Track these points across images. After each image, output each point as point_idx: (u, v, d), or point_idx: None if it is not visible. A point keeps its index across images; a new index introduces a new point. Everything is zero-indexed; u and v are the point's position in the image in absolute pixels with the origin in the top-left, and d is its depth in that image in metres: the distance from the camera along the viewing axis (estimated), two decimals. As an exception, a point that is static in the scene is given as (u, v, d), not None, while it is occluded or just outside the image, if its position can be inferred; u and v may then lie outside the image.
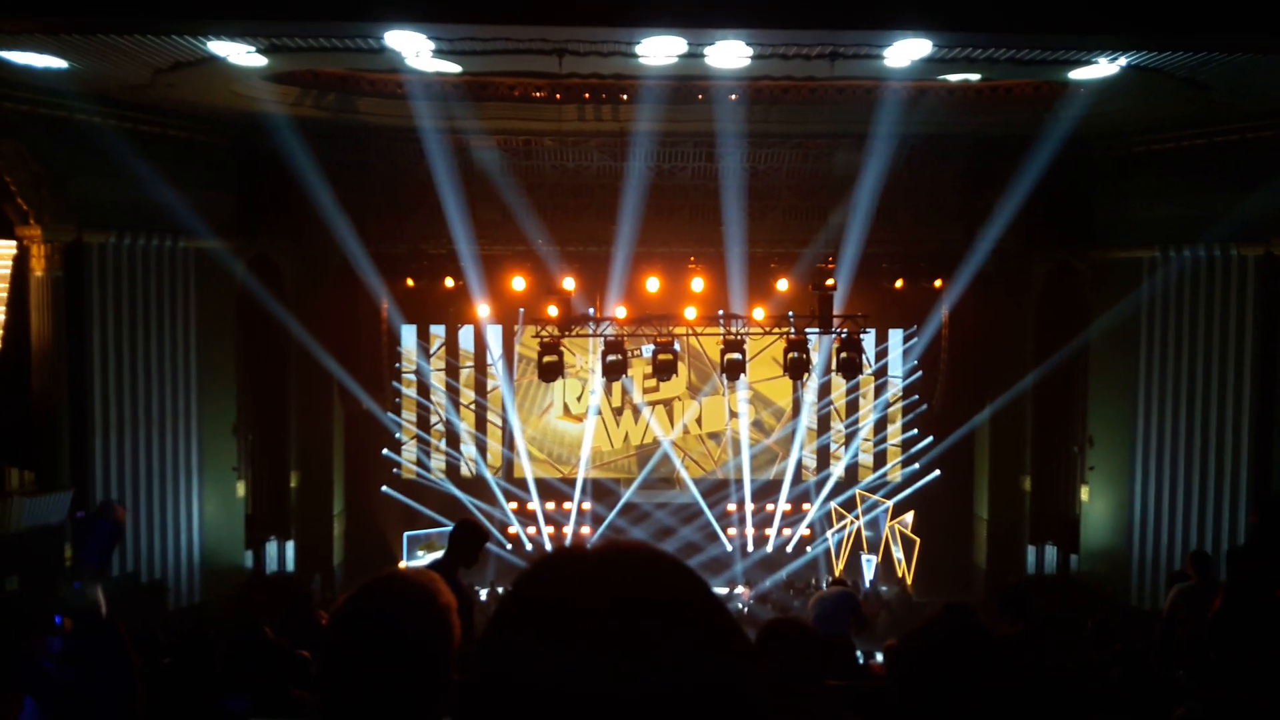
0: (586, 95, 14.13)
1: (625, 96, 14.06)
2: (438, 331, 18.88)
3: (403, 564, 18.03)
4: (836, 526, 18.96)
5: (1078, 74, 12.14)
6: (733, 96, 14.04)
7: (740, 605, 17.18)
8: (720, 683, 0.86)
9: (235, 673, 5.47)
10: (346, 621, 1.78)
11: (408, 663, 1.70)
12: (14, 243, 13.37)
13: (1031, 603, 7.16)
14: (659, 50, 11.26)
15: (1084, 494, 16.41)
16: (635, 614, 0.87)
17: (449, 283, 16.82)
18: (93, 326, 14.01)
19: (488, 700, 0.89)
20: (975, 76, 13.13)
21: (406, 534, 18.51)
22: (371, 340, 17.46)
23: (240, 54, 11.26)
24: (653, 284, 16.21)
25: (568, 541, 19.11)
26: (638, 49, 11.36)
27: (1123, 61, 11.21)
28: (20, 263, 13.44)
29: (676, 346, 15.59)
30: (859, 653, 9.30)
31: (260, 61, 11.71)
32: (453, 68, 13.02)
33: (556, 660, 0.85)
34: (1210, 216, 13.92)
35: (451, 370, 18.98)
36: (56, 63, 11.19)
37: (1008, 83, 13.64)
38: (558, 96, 14.18)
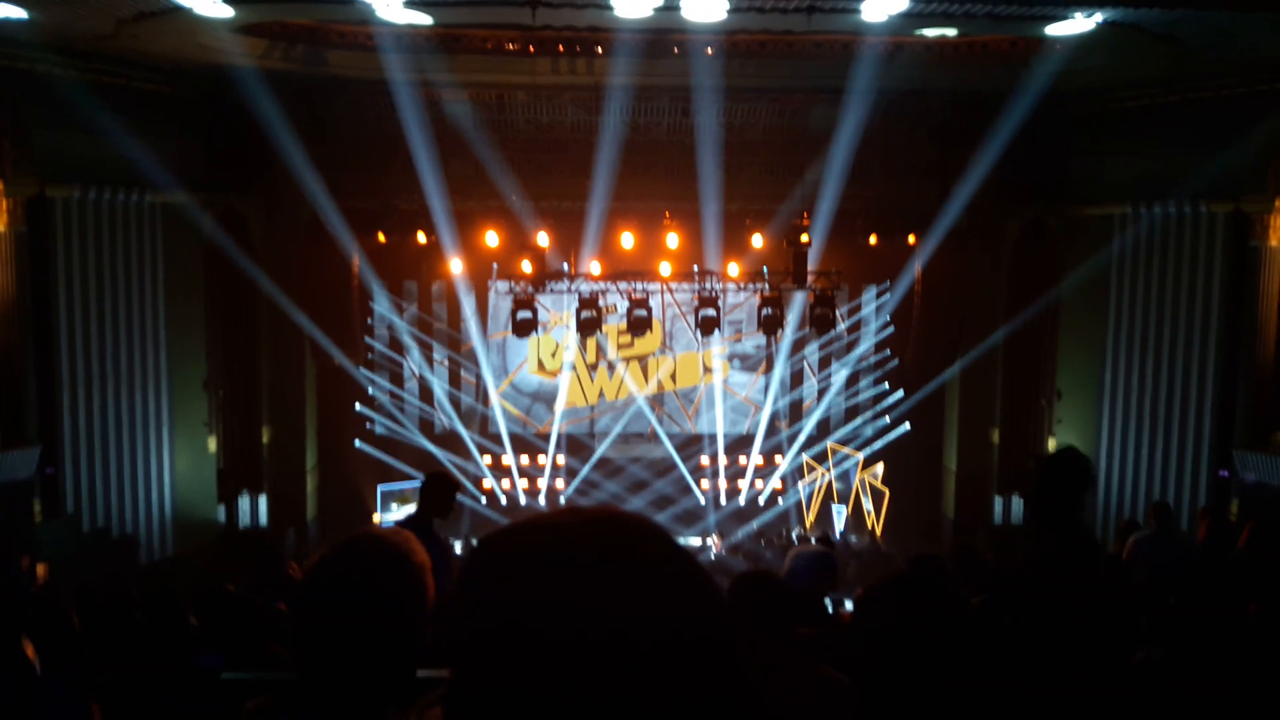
0: (560, 48, 13.94)
1: (600, 50, 13.89)
2: (410, 288, 18.75)
3: (377, 517, 18.11)
4: (808, 479, 19.20)
5: (1054, 30, 12.12)
6: (709, 50, 13.90)
7: (712, 556, 17.43)
8: (695, 632, 0.87)
9: (208, 629, 5.48)
10: (318, 582, 1.77)
11: (380, 623, 1.70)
12: (-25, 197, 13.10)
13: (987, 569, 7.27)
14: (634, 2, 11.11)
15: (1051, 446, 16.68)
16: (611, 566, 0.88)
17: (421, 238, 16.65)
18: (58, 281, 13.79)
19: (468, 654, 0.90)
20: (952, 31, 13.08)
21: (380, 487, 18.54)
22: (343, 296, 17.30)
23: (206, 4, 10.99)
24: (627, 240, 16.14)
25: (541, 496, 19.26)
26: (612, 1, 11.21)
27: (1099, 17, 11.21)
28: (-18, 217, 13.17)
29: (651, 302, 15.60)
30: (828, 601, 9.47)
31: (227, 12, 11.44)
32: (424, 19, 12.79)
33: (533, 613, 0.85)
34: (1182, 173, 14.04)
35: (424, 326, 18.89)
36: (16, 12, 10.87)
37: (984, 38, 13.60)
38: (531, 49, 13.98)
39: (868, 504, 18.83)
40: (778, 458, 19.49)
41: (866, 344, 19.01)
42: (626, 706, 0.82)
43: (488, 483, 19.29)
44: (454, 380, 19.24)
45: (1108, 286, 15.52)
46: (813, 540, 18.10)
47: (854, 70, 13.53)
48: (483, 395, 19.26)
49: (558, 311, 18.61)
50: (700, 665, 0.85)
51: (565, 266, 16.30)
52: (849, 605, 9.12)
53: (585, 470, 19.30)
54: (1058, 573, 4.18)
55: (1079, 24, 11.63)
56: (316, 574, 1.78)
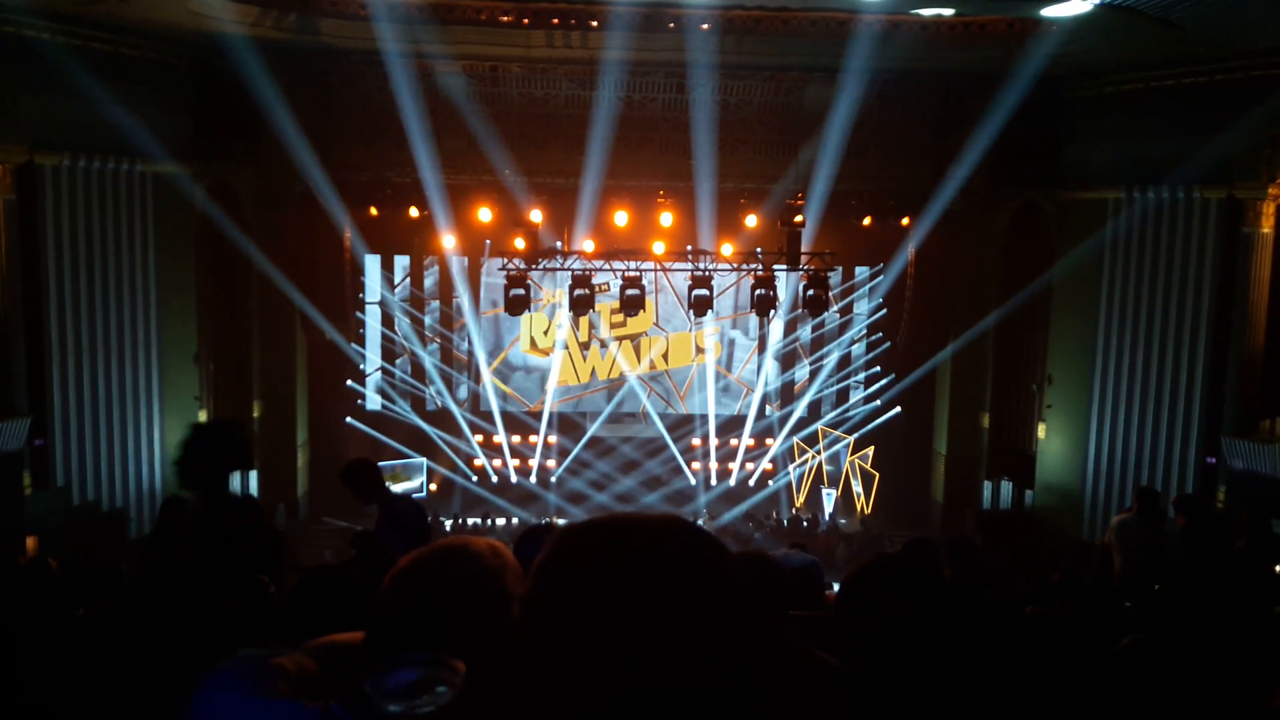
0: (555, 21, 13.83)
1: (595, 23, 13.78)
2: (402, 262, 18.66)
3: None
4: (798, 461, 19.23)
5: (1051, 11, 12.06)
6: (705, 26, 13.80)
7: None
8: (723, 609, 1.00)
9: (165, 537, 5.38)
10: (400, 597, 1.66)
11: (455, 642, 1.60)
12: (-37, 164, 12.94)
13: (975, 555, 7.27)
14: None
15: (1041, 431, 16.73)
16: (660, 554, 1.02)
17: (413, 212, 16.56)
18: (47, 251, 13.66)
19: (552, 639, 1.00)
20: (949, 11, 13.00)
21: (371, 465, 18.49)
22: (334, 270, 17.22)
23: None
24: (621, 218, 16.07)
25: (533, 475, 19.23)
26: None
27: (1097, -1, 11.14)
28: (-30, 185, 13.03)
29: (645, 281, 15.54)
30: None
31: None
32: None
33: (601, 593, 0.98)
34: (1176, 158, 14.01)
35: (416, 301, 18.80)
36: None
37: (981, 19, 13.53)
38: (525, 21, 13.87)
39: (857, 487, 18.89)
40: (768, 440, 19.51)
41: (859, 326, 19.01)
42: (686, 679, 0.95)
43: (479, 461, 19.28)
44: (446, 357, 19.19)
45: (1100, 271, 15.51)
46: (804, 522, 18.18)
47: (850, 49, 13.46)
48: (474, 372, 19.22)
49: (550, 289, 18.55)
50: (740, 643, 1.00)
51: (559, 244, 16.22)
52: (836, 588, 9.12)
53: (577, 449, 19.30)
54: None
55: (1076, 5, 11.57)
56: (400, 586, 1.66)
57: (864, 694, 1.94)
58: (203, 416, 16.04)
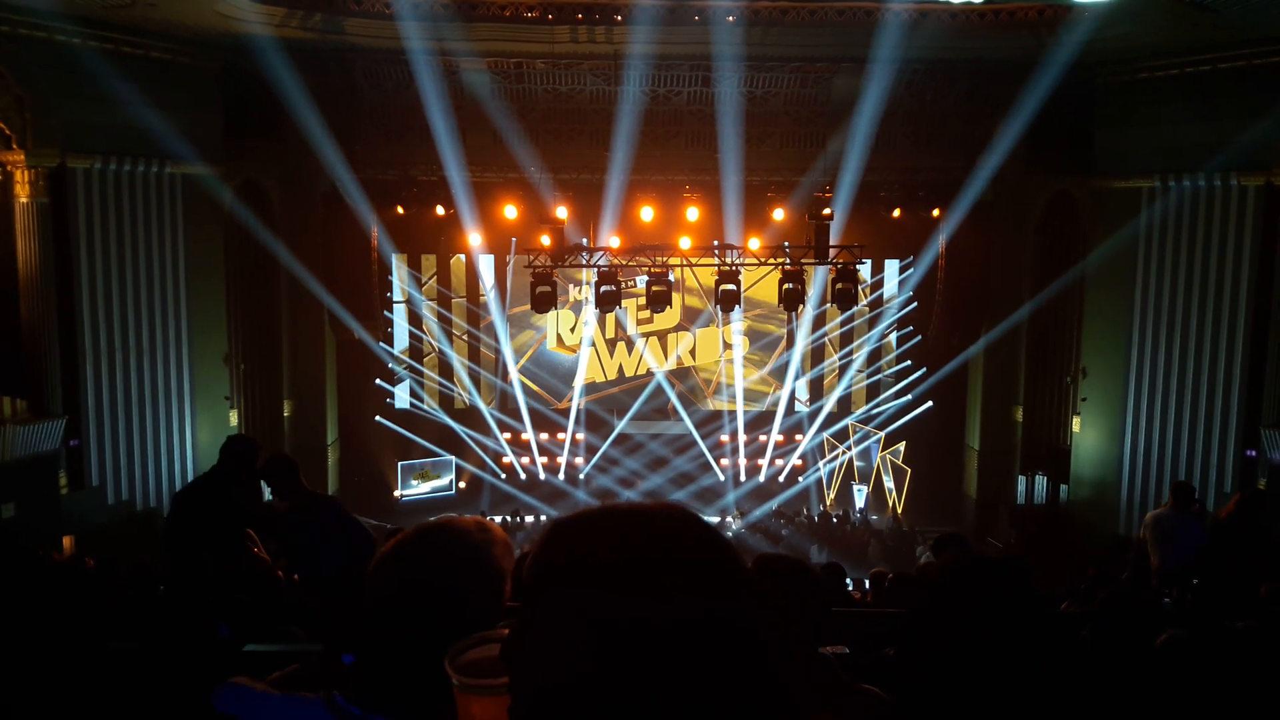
0: (579, 15, 13.79)
1: (619, 17, 13.72)
2: (429, 261, 18.72)
3: (397, 493, 18.15)
4: (828, 457, 19.08)
5: (1083, -4, 11.84)
6: (730, 18, 13.70)
7: (730, 533, 17.38)
8: (731, 617, 0.96)
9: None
10: (388, 577, 1.64)
11: (450, 625, 1.60)
12: (-3, 168, 13.15)
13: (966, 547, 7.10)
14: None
15: (1075, 424, 16.47)
16: (674, 560, 0.97)
17: (440, 211, 16.59)
18: (80, 253, 13.84)
19: (544, 633, 0.98)
20: (978, -1, 12.81)
21: (400, 463, 18.60)
22: (361, 269, 17.30)
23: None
24: (647, 213, 15.99)
25: (561, 472, 19.23)
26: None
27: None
28: (4, 188, 13.23)
29: (671, 277, 15.47)
30: (848, 580, 9.40)
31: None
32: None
33: (608, 601, 0.94)
34: (1212, 145, 13.71)
35: (443, 300, 18.85)
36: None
37: (1010, 5, 13.32)
38: (550, 17, 13.84)
39: (889, 482, 18.71)
40: (798, 436, 19.37)
41: (889, 320, 18.82)
42: (681, 682, 0.92)
43: (507, 459, 19.31)
44: (473, 355, 19.23)
45: (1134, 261, 15.24)
46: (834, 518, 18.04)
47: (877, 39, 13.30)
48: (502, 370, 19.24)
49: (576, 286, 18.53)
50: (739, 652, 0.96)
51: (584, 241, 16.19)
52: (867, 585, 9.03)
53: (605, 446, 19.27)
54: None
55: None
56: (388, 565, 1.65)
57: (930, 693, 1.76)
58: (234, 416, 16.19)
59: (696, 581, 0.96)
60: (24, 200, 13.21)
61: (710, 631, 0.94)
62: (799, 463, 19.42)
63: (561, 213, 14.95)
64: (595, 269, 15.13)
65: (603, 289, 14.88)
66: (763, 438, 19.32)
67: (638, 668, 0.92)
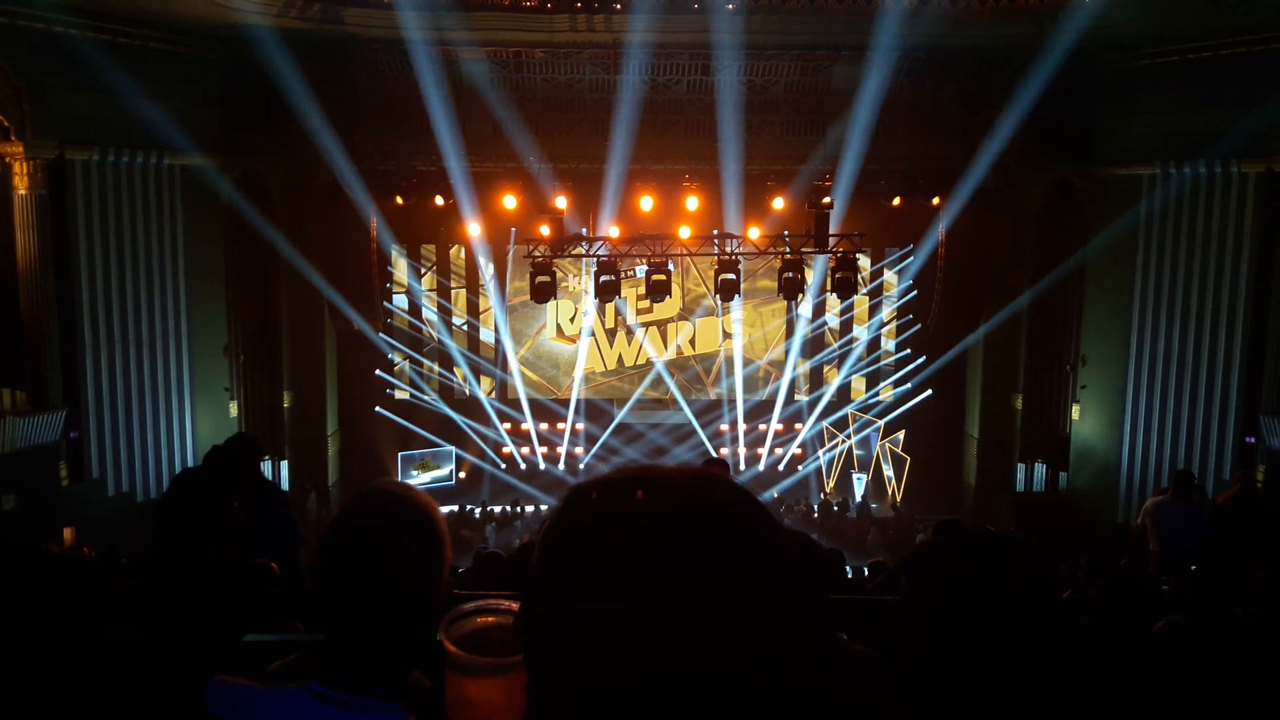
0: (578, 4, 13.74)
1: (618, 5, 13.68)
2: (428, 251, 18.70)
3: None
4: (828, 445, 19.10)
5: (1084, -17, 11.79)
6: (730, 6, 13.65)
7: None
8: (774, 585, 0.88)
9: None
10: (339, 541, 1.67)
11: (404, 581, 1.63)
12: (-4, 159, 13.12)
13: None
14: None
15: (1075, 412, 16.49)
16: (703, 523, 0.89)
17: (439, 201, 16.57)
18: (79, 245, 13.82)
19: (561, 606, 0.90)
20: (978, -15, 12.76)
21: (401, 454, 18.62)
22: (361, 259, 17.29)
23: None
24: (646, 203, 15.97)
25: (561, 462, 19.23)
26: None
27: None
28: (3, 180, 13.20)
29: (670, 267, 15.46)
30: (848, 569, 9.42)
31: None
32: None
33: (625, 567, 0.86)
34: (1212, 132, 13.68)
35: (443, 291, 18.84)
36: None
37: (1011, -8, 13.27)
38: (549, 5, 13.79)
39: (889, 471, 18.73)
40: (797, 425, 19.39)
41: (889, 309, 18.81)
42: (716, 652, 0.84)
43: (507, 449, 19.33)
44: (473, 346, 19.23)
45: (1135, 249, 15.23)
46: (834, 507, 18.07)
47: (878, 26, 13.25)
48: (502, 360, 19.25)
49: (576, 276, 18.52)
50: (783, 617, 0.88)
51: (584, 230, 16.17)
52: (866, 573, 9.05)
53: (605, 436, 19.28)
54: None
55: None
56: (337, 533, 1.68)
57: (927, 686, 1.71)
58: (234, 408, 16.20)
59: (735, 544, 0.88)
60: (23, 192, 13.18)
61: (755, 601, 0.86)
62: (799, 451, 19.44)
63: (561, 202, 14.93)
64: (595, 259, 15.12)
65: (602, 279, 14.87)
66: (762, 426, 19.34)
67: (667, 642, 0.83)
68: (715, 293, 15.67)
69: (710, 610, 0.84)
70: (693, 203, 16.06)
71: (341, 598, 1.64)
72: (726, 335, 19.20)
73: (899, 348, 18.92)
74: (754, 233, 15.18)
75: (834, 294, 16.45)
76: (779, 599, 0.88)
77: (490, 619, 1.38)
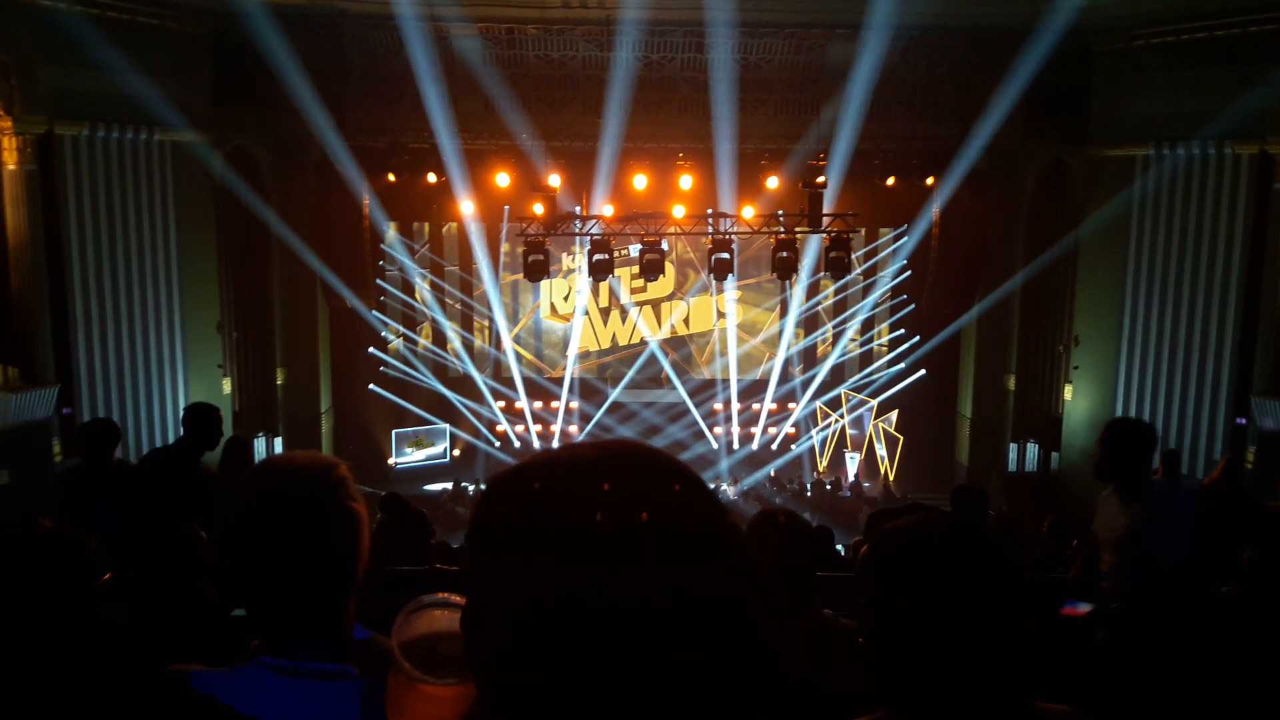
0: (571, -20, 13.64)
1: (612, -18, 13.57)
2: (421, 229, 18.64)
3: (391, 461, 18.19)
4: (821, 425, 19.16)
5: (1079, -38, 11.74)
6: (723, -17, 13.55)
7: (724, 500, 17.48)
8: (724, 593, 0.85)
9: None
10: (244, 522, 1.59)
11: (315, 564, 1.57)
12: (-16, 135, 13.02)
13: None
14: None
15: (1068, 393, 16.56)
16: (635, 524, 0.84)
17: (431, 178, 16.49)
18: (69, 221, 13.75)
19: (485, 621, 0.88)
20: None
21: (395, 431, 18.64)
22: (353, 237, 17.21)
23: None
24: (640, 181, 15.93)
25: (555, 440, 19.27)
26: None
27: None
28: (-8, 156, 13.11)
29: (664, 245, 15.43)
30: (839, 546, 9.49)
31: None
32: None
33: (550, 577, 0.83)
34: (1206, 113, 13.66)
35: (436, 268, 18.80)
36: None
37: (1007, -30, 13.20)
38: (542, -19, 13.69)
39: (881, 450, 18.80)
40: (791, 404, 19.44)
41: (882, 289, 18.81)
42: (646, 662, 0.81)
43: (501, 427, 19.36)
44: (466, 323, 19.21)
45: (1128, 230, 15.24)
46: (827, 486, 18.15)
47: (872, 5, 13.18)
48: (495, 339, 19.24)
49: (570, 254, 18.48)
50: (722, 623, 0.84)
51: (577, 209, 16.12)
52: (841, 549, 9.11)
53: (598, 415, 19.32)
54: None
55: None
56: (241, 514, 1.59)
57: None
58: (227, 385, 16.17)
59: (666, 541, 0.83)
60: (12, 168, 13.08)
61: (692, 605, 0.82)
62: (792, 431, 19.50)
63: (554, 180, 14.88)
64: (588, 237, 15.09)
65: (595, 257, 14.84)
66: (756, 406, 19.39)
67: (597, 638, 0.81)
68: (709, 272, 15.66)
69: (636, 601, 0.81)
70: (686, 181, 16.01)
71: (246, 566, 1.58)
72: (720, 314, 19.20)
73: (892, 327, 18.95)
74: (748, 212, 15.15)
75: (828, 273, 16.45)
76: (709, 583, 0.84)
77: (443, 623, 1.39)
